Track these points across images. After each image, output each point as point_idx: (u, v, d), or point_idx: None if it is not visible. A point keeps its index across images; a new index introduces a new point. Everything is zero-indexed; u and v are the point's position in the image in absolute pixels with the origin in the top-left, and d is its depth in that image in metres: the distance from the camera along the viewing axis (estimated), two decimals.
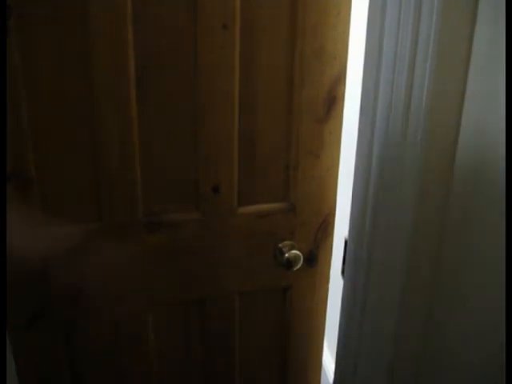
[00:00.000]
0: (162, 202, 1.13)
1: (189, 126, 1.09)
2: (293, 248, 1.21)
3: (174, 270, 1.19)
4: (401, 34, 0.89)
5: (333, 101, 1.12)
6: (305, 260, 1.22)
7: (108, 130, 1.03)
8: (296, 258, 1.20)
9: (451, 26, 0.82)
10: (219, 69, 1.05)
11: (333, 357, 1.37)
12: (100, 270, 1.09)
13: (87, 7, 0.94)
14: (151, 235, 1.14)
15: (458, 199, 0.96)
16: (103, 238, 1.10)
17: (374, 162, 1.02)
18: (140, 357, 1.28)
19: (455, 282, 1.04)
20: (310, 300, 1.34)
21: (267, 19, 1.04)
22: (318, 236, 1.26)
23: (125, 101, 1.02)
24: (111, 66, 0.99)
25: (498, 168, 0.86)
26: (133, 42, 0.98)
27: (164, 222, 1.13)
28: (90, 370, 1.24)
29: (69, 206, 1.07)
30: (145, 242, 1.14)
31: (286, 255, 1.20)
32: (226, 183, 1.14)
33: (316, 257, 1.26)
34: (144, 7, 0.97)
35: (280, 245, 1.23)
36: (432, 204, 1.00)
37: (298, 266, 1.21)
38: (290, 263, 1.21)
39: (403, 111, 0.92)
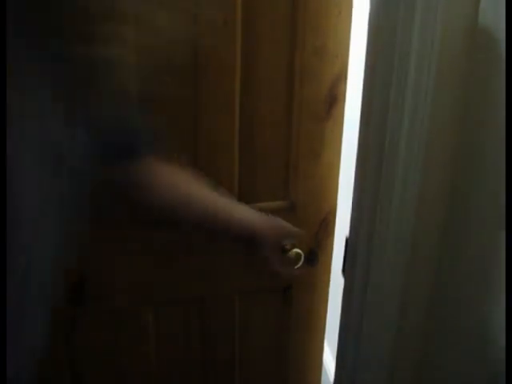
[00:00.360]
0: None
1: (189, 123, 1.08)
2: (293, 246, 1.20)
3: (174, 268, 1.19)
4: None
5: (334, 100, 1.11)
6: (305, 259, 1.21)
7: None
8: (297, 256, 1.19)
9: None
10: (220, 66, 1.05)
11: (333, 357, 1.36)
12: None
13: None
14: (151, 233, 1.13)
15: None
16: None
17: None
18: (140, 357, 1.27)
19: (456, 282, 1.04)
20: (310, 299, 1.33)
21: (268, 18, 1.03)
22: (319, 235, 1.25)
23: None
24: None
25: None
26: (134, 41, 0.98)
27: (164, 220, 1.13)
28: (89, 370, 1.24)
29: None
30: (144, 240, 1.14)
31: (287, 253, 1.19)
32: (226, 181, 1.14)
33: (317, 255, 1.25)
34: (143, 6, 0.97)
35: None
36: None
37: (299, 264, 1.20)
38: (290, 261, 1.20)
39: None
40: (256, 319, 1.33)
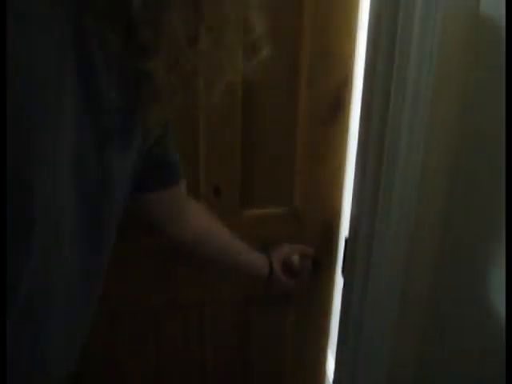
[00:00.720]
0: None
1: (190, 125, 1.05)
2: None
3: (174, 272, 1.17)
4: None
5: (340, 103, 1.09)
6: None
7: None
8: (298, 265, 1.17)
9: None
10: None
11: (333, 357, 1.37)
12: None
13: None
14: (150, 237, 1.09)
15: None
16: None
17: None
18: (140, 359, 1.27)
19: (456, 282, 1.05)
20: (312, 305, 1.31)
21: (272, 19, 0.99)
22: (322, 242, 1.23)
23: None
24: None
25: None
26: None
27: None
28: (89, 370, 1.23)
29: None
30: (144, 244, 1.12)
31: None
32: (228, 186, 1.11)
33: (320, 263, 1.23)
34: None
35: None
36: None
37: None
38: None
39: None
40: (257, 323, 1.30)
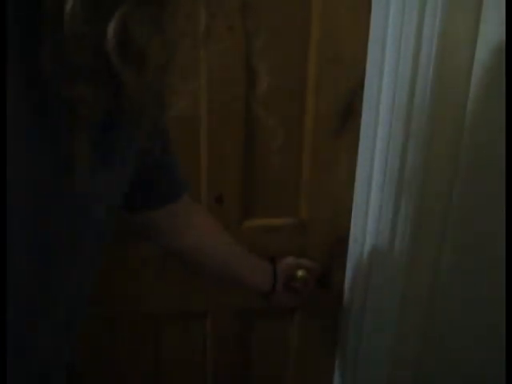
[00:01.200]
0: None
1: (192, 135, 1.03)
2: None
3: (175, 282, 1.14)
4: None
5: (349, 112, 1.05)
6: (317, 282, 1.16)
7: None
8: (303, 279, 1.12)
9: None
10: (225, 74, 0.99)
11: None
12: None
13: None
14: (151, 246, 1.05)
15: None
16: None
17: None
18: (140, 360, 1.25)
19: (455, 283, 1.06)
20: (319, 321, 1.26)
21: (278, 25, 0.98)
22: (332, 257, 1.18)
23: None
24: None
25: None
26: None
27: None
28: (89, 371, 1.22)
29: None
30: (144, 253, 1.10)
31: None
32: (230, 193, 1.08)
33: (329, 279, 1.18)
34: None
35: None
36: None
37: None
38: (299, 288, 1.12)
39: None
40: (259, 337, 1.26)
